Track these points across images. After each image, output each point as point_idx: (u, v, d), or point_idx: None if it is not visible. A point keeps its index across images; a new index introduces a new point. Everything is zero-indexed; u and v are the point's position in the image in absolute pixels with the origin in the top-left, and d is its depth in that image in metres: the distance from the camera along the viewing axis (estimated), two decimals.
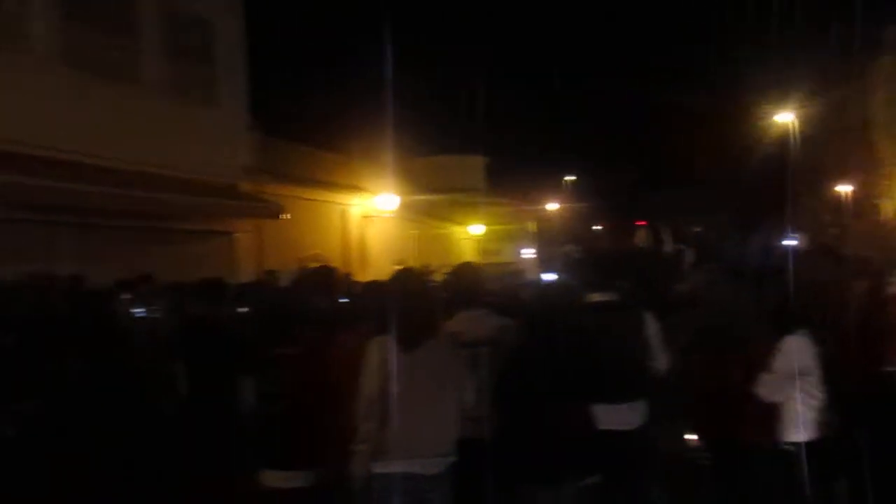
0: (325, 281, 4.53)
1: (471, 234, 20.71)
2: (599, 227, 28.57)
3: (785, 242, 9.63)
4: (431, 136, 18.81)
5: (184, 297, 4.89)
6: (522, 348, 3.72)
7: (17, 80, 8.54)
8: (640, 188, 28.67)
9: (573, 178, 29.37)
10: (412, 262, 11.83)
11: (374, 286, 5.19)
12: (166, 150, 10.29)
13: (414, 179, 17.01)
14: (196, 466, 3.68)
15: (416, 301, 3.48)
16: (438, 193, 18.49)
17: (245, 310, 5.06)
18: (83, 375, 3.65)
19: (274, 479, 3.39)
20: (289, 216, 12.49)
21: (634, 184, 29.08)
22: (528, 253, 21.64)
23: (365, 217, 16.16)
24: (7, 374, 3.79)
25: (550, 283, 5.14)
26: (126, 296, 5.56)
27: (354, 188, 15.74)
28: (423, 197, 17.44)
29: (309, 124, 15.24)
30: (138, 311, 5.43)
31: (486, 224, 20.83)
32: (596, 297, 4.39)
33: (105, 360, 3.74)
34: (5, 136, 8.19)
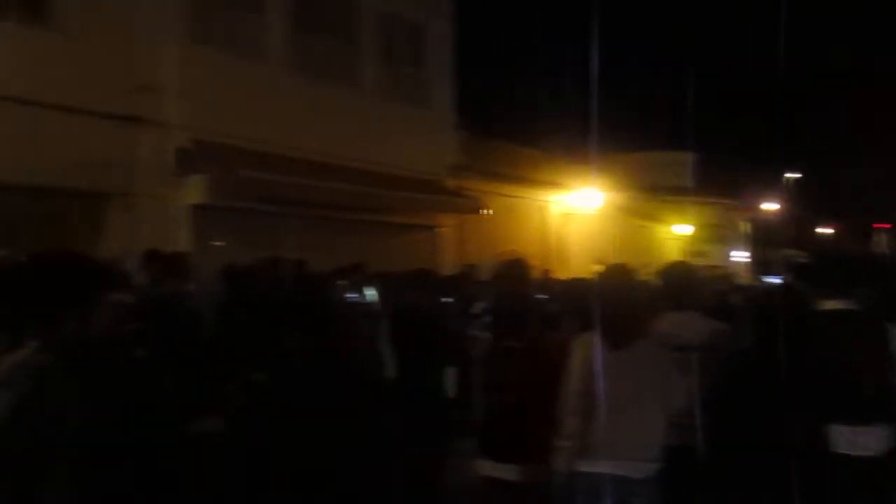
0: (519, 276, 4.50)
1: (676, 233, 19.66)
2: (825, 231, 25.77)
3: None
4: (638, 132, 18.13)
5: (395, 285, 5.13)
6: (744, 355, 3.41)
7: (257, 86, 9.55)
8: (881, 188, 25.18)
9: (796, 175, 26.65)
10: (613, 261, 11.47)
11: (576, 283, 5.10)
12: (380, 149, 10.94)
13: (617, 176, 16.51)
14: (406, 446, 3.83)
15: (625, 299, 3.34)
16: (642, 191, 17.79)
17: (450, 300, 5.20)
18: (306, 351, 3.94)
19: (491, 468, 3.43)
20: (490, 212, 12.72)
21: (874, 183, 25.62)
22: (739, 255, 20.13)
23: (565, 214, 15.99)
24: (241, 346, 4.22)
25: (774, 288, 4.70)
26: (342, 282, 5.95)
27: (554, 185, 15.63)
28: (625, 194, 16.88)
29: (512, 122, 15.41)
30: (352, 297, 5.79)
31: (693, 224, 19.65)
32: (830, 304, 3.91)
33: (325, 338, 4.02)
34: (249, 137, 9.21)
